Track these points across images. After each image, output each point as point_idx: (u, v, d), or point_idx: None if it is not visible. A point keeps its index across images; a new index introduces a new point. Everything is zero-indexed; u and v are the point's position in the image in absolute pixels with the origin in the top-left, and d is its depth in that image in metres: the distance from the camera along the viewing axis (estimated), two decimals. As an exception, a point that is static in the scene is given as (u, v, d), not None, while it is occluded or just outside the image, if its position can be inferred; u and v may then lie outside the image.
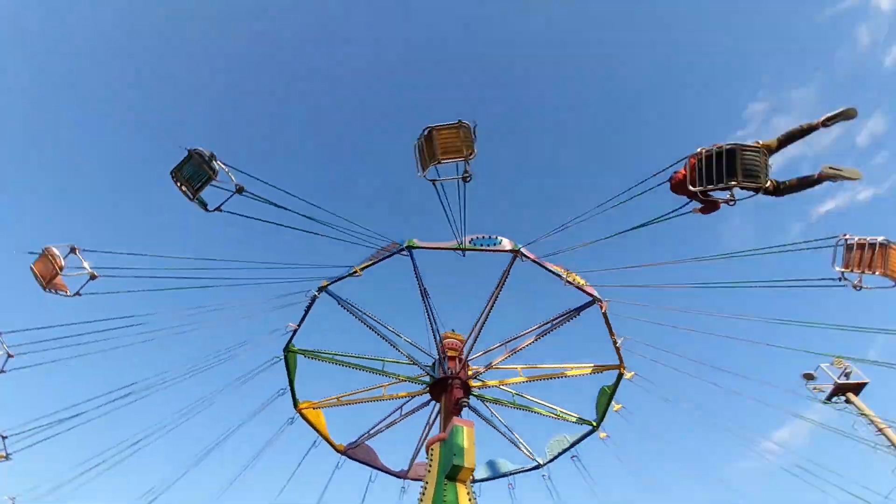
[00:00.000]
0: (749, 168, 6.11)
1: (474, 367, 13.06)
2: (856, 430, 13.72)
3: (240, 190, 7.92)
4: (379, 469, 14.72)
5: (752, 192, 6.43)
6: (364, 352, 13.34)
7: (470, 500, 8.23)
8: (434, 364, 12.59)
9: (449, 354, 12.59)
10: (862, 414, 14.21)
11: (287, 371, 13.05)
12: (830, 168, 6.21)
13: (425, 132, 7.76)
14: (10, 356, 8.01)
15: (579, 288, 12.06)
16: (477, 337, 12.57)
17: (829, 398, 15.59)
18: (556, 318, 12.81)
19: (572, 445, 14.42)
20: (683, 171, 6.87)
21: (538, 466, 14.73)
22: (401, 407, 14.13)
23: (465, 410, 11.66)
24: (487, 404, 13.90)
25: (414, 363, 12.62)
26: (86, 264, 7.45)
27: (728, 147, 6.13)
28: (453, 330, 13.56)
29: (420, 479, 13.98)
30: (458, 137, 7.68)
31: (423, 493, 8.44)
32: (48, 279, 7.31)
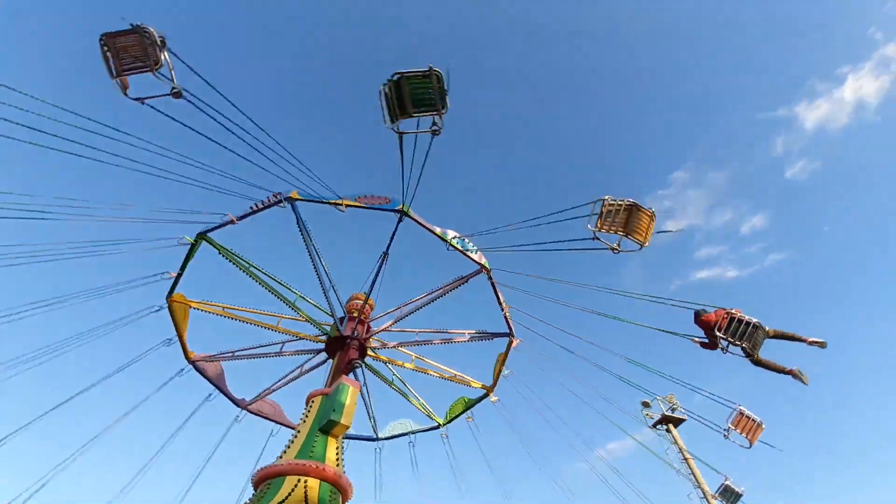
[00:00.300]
0: (756, 342, 7.76)
1: (375, 329, 13.18)
2: (667, 454, 16.95)
3: (177, 95, 6.78)
4: (223, 392, 13.79)
5: (744, 355, 7.95)
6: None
7: (338, 454, 8.31)
8: (334, 324, 12.33)
9: (351, 315, 12.44)
10: (675, 443, 17.53)
11: (174, 323, 11.80)
12: (800, 371, 7.95)
13: (394, 77, 7.17)
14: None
15: (464, 253, 12.44)
16: (369, 292, 12.40)
17: (654, 425, 19.07)
18: (447, 285, 13.17)
19: (469, 407, 15.19)
20: (715, 317, 8.03)
21: (437, 427, 15.36)
22: (302, 366, 13.73)
23: (358, 373, 11.77)
24: (390, 366, 14.09)
25: (310, 321, 12.22)
26: None
27: (755, 322, 7.68)
28: (363, 292, 13.42)
29: (258, 415, 14.17)
30: (429, 87, 7.04)
31: (293, 441, 8.29)
32: None
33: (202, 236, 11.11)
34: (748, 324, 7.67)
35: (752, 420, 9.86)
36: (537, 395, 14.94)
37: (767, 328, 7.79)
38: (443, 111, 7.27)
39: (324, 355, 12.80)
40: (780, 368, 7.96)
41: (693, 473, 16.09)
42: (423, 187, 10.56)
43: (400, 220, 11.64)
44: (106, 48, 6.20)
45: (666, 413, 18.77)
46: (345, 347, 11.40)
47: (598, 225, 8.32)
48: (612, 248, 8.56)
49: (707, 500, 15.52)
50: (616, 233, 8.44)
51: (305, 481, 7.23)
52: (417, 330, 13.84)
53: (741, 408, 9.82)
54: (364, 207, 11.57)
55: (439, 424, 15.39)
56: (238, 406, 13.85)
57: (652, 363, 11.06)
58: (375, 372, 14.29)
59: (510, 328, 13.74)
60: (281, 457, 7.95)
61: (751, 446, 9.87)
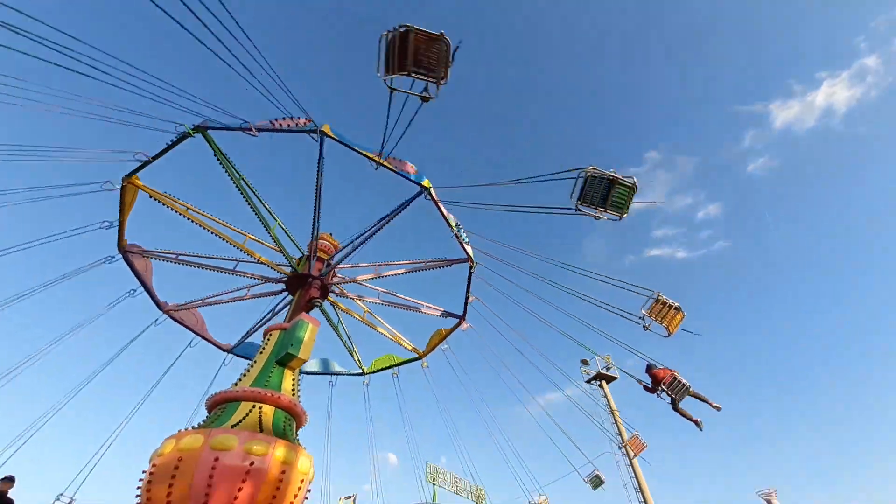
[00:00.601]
0: (681, 396, 10.33)
1: (340, 275, 13.25)
2: (596, 406, 19.00)
3: None
4: (147, 289, 13.04)
5: (670, 402, 10.37)
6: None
7: (293, 385, 8.65)
8: (300, 259, 12.20)
9: (319, 255, 12.36)
10: (604, 396, 19.60)
11: (121, 206, 10.89)
12: (700, 422, 10.50)
13: (401, 29, 6.56)
14: None
15: (461, 245, 12.92)
16: (353, 249, 12.46)
17: (589, 380, 21.17)
18: (431, 262, 13.57)
19: (396, 365, 16.33)
20: (663, 374, 10.49)
21: (362, 374, 16.36)
22: (248, 288, 13.49)
23: (315, 311, 11.90)
24: (338, 311, 14.41)
25: (281, 251, 11.90)
26: None
27: (686, 384, 10.29)
28: (331, 234, 13.29)
29: (180, 322, 13.90)
30: (436, 52, 6.64)
31: (248, 370, 8.49)
32: None
33: (201, 129, 10.00)
34: (682, 384, 10.33)
35: (670, 306, 9.89)
36: (490, 349, 15.99)
37: (691, 389, 10.37)
38: (442, 81, 6.88)
39: (280, 287, 12.81)
40: (689, 416, 10.58)
41: (616, 423, 18.36)
42: (403, 143, 10.15)
43: (418, 195, 11.62)
44: None
45: (601, 371, 20.85)
46: (307, 285, 11.43)
47: (581, 198, 8.50)
48: (595, 217, 8.76)
49: (626, 447, 17.92)
50: (596, 207, 8.61)
51: (260, 407, 7.55)
52: (380, 289, 14.23)
53: (659, 293, 9.88)
54: (394, 171, 11.25)
55: (363, 372, 16.26)
56: (159, 308, 13.25)
57: (596, 325, 12.08)
58: (325, 314, 14.47)
59: (465, 310, 14.52)
60: (236, 384, 8.16)
61: (669, 335, 10.02)
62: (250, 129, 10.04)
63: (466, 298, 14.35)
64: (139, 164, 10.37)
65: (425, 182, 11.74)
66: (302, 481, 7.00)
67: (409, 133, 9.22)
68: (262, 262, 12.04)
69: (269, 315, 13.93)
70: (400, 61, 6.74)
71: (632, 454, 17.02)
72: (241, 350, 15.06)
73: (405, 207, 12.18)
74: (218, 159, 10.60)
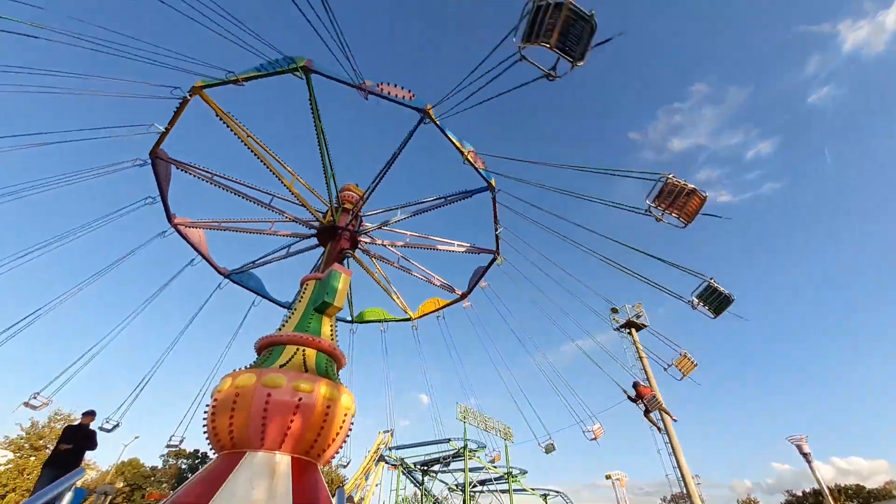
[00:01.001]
0: (654, 408, 12.40)
1: (367, 224, 13.44)
2: (624, 352, 19.26)
3: None
4: (163, 199, 12.66)
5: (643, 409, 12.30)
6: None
7: (332, 331, 9.22)
8: (327, 212, 12.40)
9: (345, 206, 12.49)
10: (634, 343, 19.76)
11: (157, 179, 11.26)
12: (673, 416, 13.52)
13: (555, 1, 6.06)
14: None
15: (476, 169, 12.12)
16: (371, 192, 12.22)
17: (619, 328, 21.30)
18: (452, 196, 13.13)
19: (441, 308, 16.74)
20: (645, 391, 12.31)
21: (409, 319, 16.93)
22: (288, 247, 13.98)
23: (348, 261, 12.30)
24: (374, 260, 14.76)
25: (305, 206, 12.11)
26: None
27: (661, 402, 12.54)
28: (357, 184, 13.29)
29: (183, 237, 13.61)
30: (582, 32, 6.20)
31: (289, 317, 9.07)
32: None
33: (198, 90, 9.89)
34: (657, 400, 12.27)
35: (682, 189, 9.08)
36: (516, 300, 16.22)
37: (662, 405, 12.49)
38: (578, 63, 6.46)
39: (312, 242, 13.23)
40: (653, 421, 13.24)
41: (644, 369, 18.67)
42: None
43: (420, 122, 10.80)
44: None
45: (631, 318, 20.87)
46: (337, 237, 11.73)
47: (656, 202, 8.62)
48: (657, 219, 8.80)
49: (653, 389, 18.35)
50: (666, 210, 8.69)
51: (304, 350, 8.16)
52: (408, 232, 14.18)
53: (669, 175, 9.10)
54: (386, 98, 10.44)
55: (411, 318, 17.03)
56: (168, 220, 12.94)
57: (625, 275, 11.82)
58: (360, 263, 14.91)
59: (498, 246, 14.33)
60: (280, 329, 8.78)
61: (686, 225, 9.38)
62: (237, 81, 9.80)
63: (496, 229, 14.12)
64: (160, 133, 10.46)
65: (427, 107, 11.11)
66: (345, 415, 7.68)
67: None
68: (291, 220, 12.37)
69: (281, 251, 14.38)
70: (544, 33, 6.39)
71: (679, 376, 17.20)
72: (238, 278, 15.52)
73: (411, 136, 11.55)
74: (222, 119, 10.55)
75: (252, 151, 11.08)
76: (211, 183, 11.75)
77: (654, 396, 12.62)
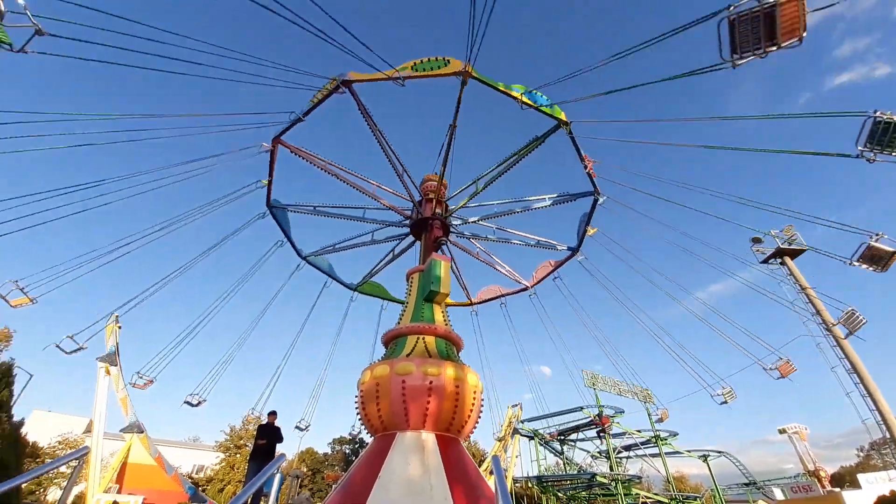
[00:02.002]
0: None
1: (457, 214, 13.80)
2: (781, 288, 16.38)
3: (39, 32, 6.48)
4: (289, 239, 15.20)
5: None
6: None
7: (444, 316, 9.79)
8: (415, 206, 13.04)
9: (429, 197, 12.95)
10: (790, 274, 16.68)
11: (278, 224, 13.33)
12: None
13: (766, 8, 5.91)
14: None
15: (537, 109, 11.22)
16: (444, 171, 12.25)
17: (766, 260, 18.10)
18: (522, 149, 12.43)
19: (556, 268, 16.27)
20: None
21: (525, 289, 16.86)
22: (392, 250, 15.28)
23: (448, 248, 12.82)
24: (473, 241, 15.10)
25: (409, 198, 12.93)
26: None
27: None
28: (436, 172, 13.63)
29: (315, 267, 15.94)
30: (797, 8, 5.92)
31: (404, 312, 9.89)
32: None
33: (277, 140, 11.75)
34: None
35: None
36: (630, 248, 15.02)
37: None
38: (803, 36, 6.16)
39: (411, 238, 14.08)
40: None
41: (812, 303, 15.62)
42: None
43: (464, 84, 10.36)
44: None
45: (781, 246, 17.53)
46: (428, 228, 12.27)
47: (868, 145, 7.38)
48: (869, 160, 7.52)
49: (829, 329, 15.31)
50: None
51: (423, 338, 8.85)
52: (496, 202, 14.11)
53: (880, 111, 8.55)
54: (423, 76, 10.42)
55: (527, 287, 16.79)
56: (299, 255, 15.36)
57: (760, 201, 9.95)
58: (460, 247, 15.37)
59: (594, 185, 13.18)
60: (399, 322, 9.65)
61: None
62: (300, 120, 10.71)
63: (585, 231, 13.60)
64: (287, 124, 11.79)
65: (562, 115, 10.93)
66: (475, 393, 8.15)
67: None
68: (385, 226, 13.36)
69: (388, 257, 15.60)
70: (767, 35, 6.36)
71: (840, 333, 14.49)
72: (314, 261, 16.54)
73: (540, 143, 11.72)
74: (302, 157, 11.83)
75: (337, 178, 12.26)
76: (314, 215, 13.43)
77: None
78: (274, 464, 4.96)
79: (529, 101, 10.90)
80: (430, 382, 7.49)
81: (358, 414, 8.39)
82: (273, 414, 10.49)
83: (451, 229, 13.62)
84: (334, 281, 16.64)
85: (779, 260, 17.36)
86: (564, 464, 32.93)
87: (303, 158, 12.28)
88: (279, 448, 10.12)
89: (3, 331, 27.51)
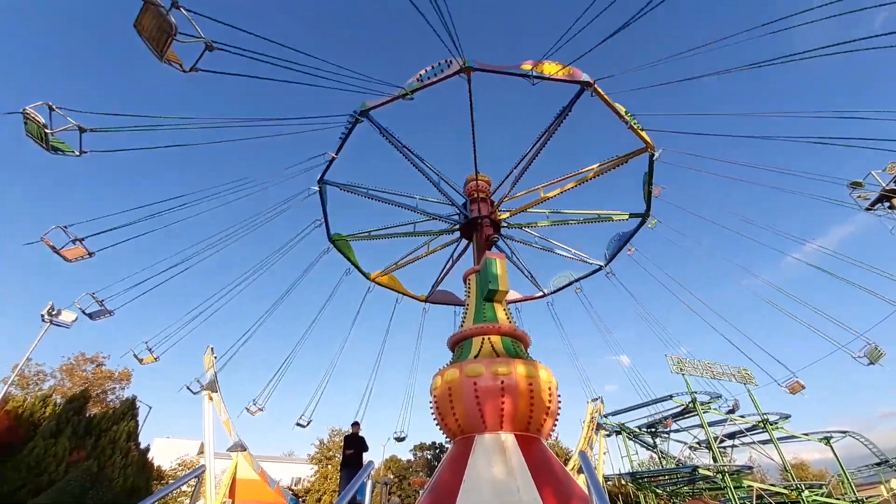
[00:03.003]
0: None
1: (506, 208, 13.68)
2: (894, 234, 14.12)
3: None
4: (404, 294, 16.78)
5: None
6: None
7: (506, 314, 9.73)
8: (464, 205, 13.13)
9: (473, 197, 12.97)
10: (905, 217, 14.34)
11: (322, 204, 13.80)
12: None
13: None
14: (81, 131, 7.24)
15: (638, 133, 11.27)
16: (519, 176, 12.42)
17: (872, 205, 15.68)
18: (606, 163, 12.22)
19: (630, 238, 15.07)
20: None
21: (600, 269, 15.84)
22: (427, 244, 15.33)
23: (507, 245, 12.73)
24: (527, 229, 14.76)
25: (450, 203, 13.12)
26: (70, 119, 6.90)
27: None
28: (477, 173, 13.64)
29: (440, 303, 16.84)
30: None
31: (466, 313, 9.99)
32: (42, 138, 7.19)
33: (321, 182, 12.76)
34: None
35: None
36: (702, 207, 13.76)
37: None
38: None
39: (465, 241, 14.21)
40: None
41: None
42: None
43: (469, 81, 10.38)
44: (144, 38, 6.20)
45: (886, 187, 15.08)
46: (478, 228, 12.30)
47: None
48: None
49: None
50: None
51: (489, 338, 8.87)
52: (542, 186, 13.79)
53: None
54: (430, 84, 10.58)
55: (600, 267, 15.77)
56: (367, 276, 15.91)
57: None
58: (518, 241, 15.16)
59: (645, 140, 11.87)
60: (462, 325, 9.76)
61: None
62: (407, 95, 10.75)
63: (649, 192, 12.72)
64: (325, 165, 12.58)
65: (586, 78, 10.45)
66: (549, 389, 7.99)
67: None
68: (434, 219, 13.57)
69: (448, 264, 15.72)
70: None
71: None
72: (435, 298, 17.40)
73: (567, 112, 11.30)
74: (345, 190, 12.41)
75: (410, 161, 12.46)
76: (369, 239, 13.96)
77: None
78: (364, 472, 5.26)
79: (546, 74, 10.22)
80: (502, 382, 7.48)
81: (434, 419, 8.60)
82: (356, 424, 11.10)
83: (503, 224, 13.47)
84: (404, 295, 17.28)
85: (886, 204, 14.96)
86: (660, 458, 30.90)
87: (348, 192, 13.06)
88: (366, 456, 10.69)
89: (124, 371, 31.96)
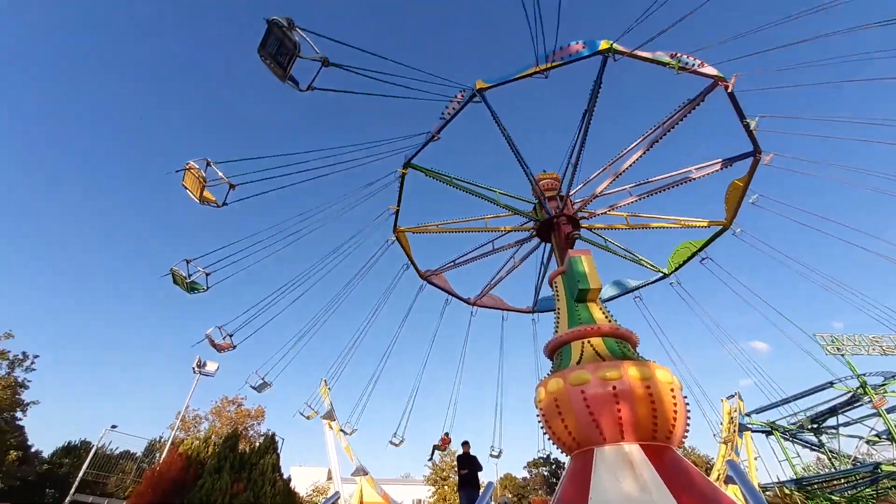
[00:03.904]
0: None
1: (578, 200, 12.98)
2: None
3: (326, 63, 7.13)
4: (453, 294, 16.55)
5: None
6: (466, 216, 14.03)
7: (604, 313, 9.07)
8: (535, 208, 12.76)
9: (548, 195, 12.52)
10: None
11: (402, 248, 14.57)
12: None
13: None
14: (231, 187, 8.01)
15: (694, 72, 10.09)
16: (577, 164, 11.77)
17: None
18: (671, 117, 11.10)
19: (700, 249, 14.31)
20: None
21: (664, 277, 15.23)
22: (513, 257, 15.20)
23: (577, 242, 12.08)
24: (597, 231, 13.98)
25: (517, 213, 12.90)
26: (222, 175, 7.87)
27: None
28: (544, 170, 13.23)
29: (484, 306, 16.46)
30: None
31: (558, 318, 9.54)
32: (199, 193, 7.87)
33: (409, 164, 12.49)
34: None
35: None
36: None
37: None
38: None
39: (534, 242, 13.80)
40: None
41: None
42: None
43: (604, 66, 10.34)
44: (266, 61, 6.63)
45: None
46: (556, 227, 11.80)
47: None
48: None
49: None
50: None
51: (588, 341, 8.31)
52: (629, 186, 13.02)
53: None
54: (565, 63, 10.36)
55: (665, 274, 15.04)
56: (421, 277, 15.82)
57: None
58: (587, 241, 14.25)
59: (754, 141, 11.39)
60: (556, 331, 9.32)
61: None
62: (434, 138, 11.33)
63: (746, 125, 11.08)
64: (420, 146, 12.36)
65: (603, 43, 9.95)
66: (672, 391, 7.16)
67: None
68: (507, 231, 13.37)
69: (510, 264, 15.24)
70: None
71: None
72: (542, 305, 17.08)
73: (599, 86, 10.69)
74: (431, 176, 12.61)
75: (463, 190, 12.68)
76: (437, 232, 14.24)
77: None
78: (486, 494, 5.21)
79: (686, 66, 10.00)
80: (614, 388, 6.89)
81: (545, 433, 8.23)
82: (466, 444, 11.13)
83: (582, 224, 12.70)
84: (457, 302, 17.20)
85: None
86: (830, 458, 25.74)
87: (433, 178, 12.74)
88: (482, 476, 10.61)
89: (259, 409, 36.41)
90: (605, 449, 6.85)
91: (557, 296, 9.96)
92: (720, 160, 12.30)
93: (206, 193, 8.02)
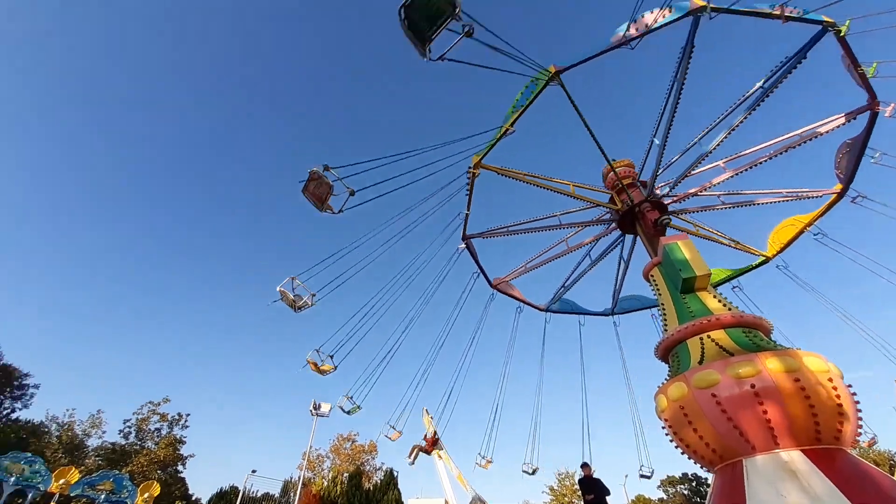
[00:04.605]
0: None
1: (662, 183, 11.88)
2: None
3: (352, 193, 8.23)
4: (524, 302, 15.65)
5: None
6: (533, 216, 13.44)
7: (719, 300, 8.04)
8: (611, 199, 12.01)
9: (626, 183, 11.67)
10: None
11: (471, 256, 14.00)
12: None
13: None
14: (351, 193, 8.22)
15: (802, 19, 8.74)
16: (664, 143, 10.54)
17: None
18: (773, 74, 9.51)
19: (808, 226, 12.40)
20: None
21: (766, 261, 13.40)
22: (588, 253, 14.19)
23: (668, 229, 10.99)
24: (683, 217, 12.45)
25: (596, 204, 12.11)
26: (344, 184, 8.32)
27: None
28: (613, 159, 12.44)
29: (506, 294, 14.97)
30: None
31: (665, 314, 8.66)
32: (324, 200, 8.26)
33: (479, 163, 11.63)
34: None
35: None
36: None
37: None
38: None
39: (614, 236, 12.97)
40: None
41: None
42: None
43: (695, 27, 9.13)
44: (407, 28, 6.54)
45: None
46: (639, 215, 10.94)
47: None
48: None
49: None
50: None
51: (708, 335, 7.38)
52: (723, 161, 11.78)
53: None
54: (653, 30, 8.92)
55: (768, 258, 13.35)
56: (491, 286, 15.02)
57: None
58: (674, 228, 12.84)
59: (869, 89, 9.67)
60: (665, 330, 8.44)
61: None
62: (508, 130, 10.53)
63: (862, 74, 9.40)
64: (492, 141, 11.53)
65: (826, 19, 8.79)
66: (829, 380, 6.00)
67: None
68: (584, 227, 12.63)
69: (585, 261, 14.15)
70: None
71: None
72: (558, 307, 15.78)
73: (692, 49, 9.41)
74: (501, 174, 12.02)
75: (534, 184, 11.84)
76: (508, 235, 13.61)
77: None
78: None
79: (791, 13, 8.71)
80: (752, 386, 5.96)
81: (676, 447, 7.34)
82: (586, 466, 10.38)
83: (669, 209, 11.48)
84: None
85: None
86: None
87: (502, 175, 11.89)
88: (609, 500, 9.74)
89: (371, 444, 38.17)
90: (757, 459, 5.90)
91: (658, 291, 9.09)
92: (843, 114, 10.44)
93: (328, 202, 8.44)
